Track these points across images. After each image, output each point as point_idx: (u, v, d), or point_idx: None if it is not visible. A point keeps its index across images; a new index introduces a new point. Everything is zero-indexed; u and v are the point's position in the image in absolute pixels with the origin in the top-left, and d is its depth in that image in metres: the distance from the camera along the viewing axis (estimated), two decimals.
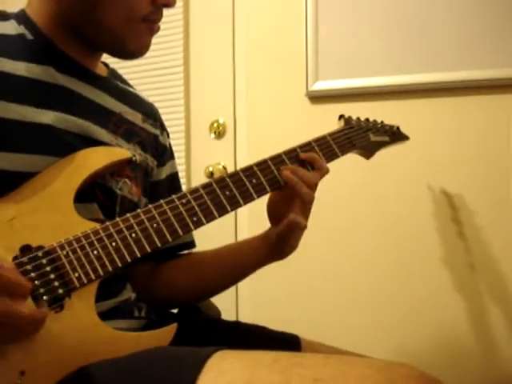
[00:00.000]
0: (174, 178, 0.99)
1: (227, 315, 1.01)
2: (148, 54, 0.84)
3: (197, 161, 1.78)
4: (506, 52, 1.40)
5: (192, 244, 0.98)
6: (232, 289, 1.69)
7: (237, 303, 1.68)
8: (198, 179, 1.76)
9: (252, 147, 1.68)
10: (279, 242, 0.85)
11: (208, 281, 0.92)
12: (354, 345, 0.90)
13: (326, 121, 1.59)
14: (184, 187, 1.74)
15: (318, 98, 1.60)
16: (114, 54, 0.83)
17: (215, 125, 1.75)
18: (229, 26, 1.73)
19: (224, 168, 1.73)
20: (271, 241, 0.86)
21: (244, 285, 1.61)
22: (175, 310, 0.96)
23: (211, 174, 1.72)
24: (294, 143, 1.73)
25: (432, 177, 1.48)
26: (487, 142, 1.44)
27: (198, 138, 1.79)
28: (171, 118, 0.98)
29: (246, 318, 1.62)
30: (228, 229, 1.64)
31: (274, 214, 0.86)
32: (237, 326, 0.91)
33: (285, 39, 1.64)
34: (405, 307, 1.50)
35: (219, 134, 1.75)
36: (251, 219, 1.53)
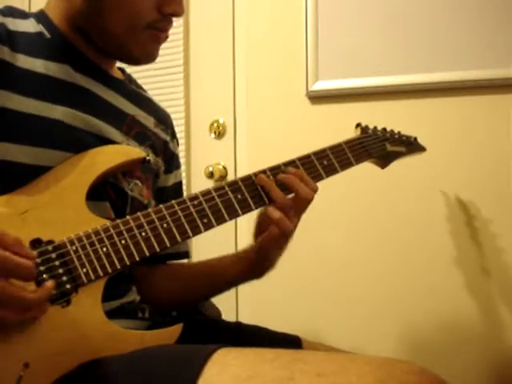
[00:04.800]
0: (178, 187, 0.99)
1: (227, 315, 1.01)
2: None
3: (197, 161, 1.78)
4: (506, 52, 1.40)
5: (187, 254, 0.97)
6: (232, 289, 1.68)
7: (237, 303, 1.68)
8: (198, 179, 1.76)
9: (252, 147, 1.68)
10: (256, 259, 0.84)
11: (183, 289, 0.92)
12: (355, 345, 0.90)
13: (326, 121, 1.61)
14: (184, 187, 1.75)
15: (318, 97, 1.60)
16: (120, 59, 0.84)
17: (215, 125, 1.75)
18: (229, 26, 1.73)
19: (224, 168, 1.73)
20: (249, 256, 0.85)
21: (244, 285, 1.61)
22: (174, 312, 0.96)
23: (211, 174, 1.72)
24: (294, 143, 1.74)
25: (431, 177, 1.48)
26: (487, 142, 1.44)
27: (198, 138, 1.79)
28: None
29: (245, 318, 1.62)
30: (228, 235, 1.64)
31: (259, 226, 0.84)
32: (238, 326, 0.92)
33: (285, 39, 1.64)
34: (414, 310, 1.49)
35: (219, 134, 1.75)
36: (251, 226, 1.52)
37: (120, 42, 0.78)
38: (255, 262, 0.84)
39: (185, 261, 0.99)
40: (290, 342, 0.87)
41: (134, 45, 0.79)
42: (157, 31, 0.79)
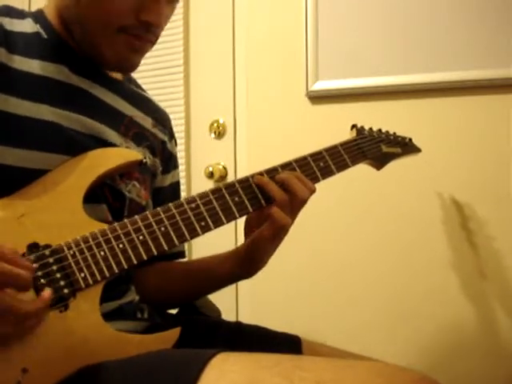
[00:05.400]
0: (176, 187, 0.99)
1: (227, 315, 1.01)
2: (148, 53, 0.82)
3: (197, 161, 1.78)
4: (506, 52, 1.40)
5: (183, 254, 0.97)
6: (232, 289, 1.69)
7: (237, 303, 1.68)
8: (198, 179, 1.76)
9: (252, 147, 1.68)
10: (246, 257, 0.84)
11: (173, 286, 0.91)
12: (355, 345, 0.90)
13: (326, 121, 1.61)
14: (184, 187, 1.75)
15: (318, 97, 1.60)
16: (97, 62, 0.80)
17: (215, 125, 1.75)
18: (229, 26, 1.73)
19: (224, 168, 1.73)
20: (240, 255, 0.85)
21: (244, 285, 1.61)
22: (174, 311, 0.96)
23: (211, 174, 1.72)
24: (294, 143, 1.73)
25: (431, 177, 1.47)
26: (487, 142, 1.44)
27: (198, 138, 1.79)
28: (171, 118, 1.00)
29: (245, 318, 1.62)
30: (228, 236, 1.64)
31: (249, 225, 0.84)
32: (238, 326, 0.91)
33: (285, 39, 1.64)
34: (408, 310, 1.49)
35: (219, 134, 1.75)
36: None
37: (93, 42, 0.76)
38: (246, 261, 0.84)
39: None
40: (290, 341, 0.86)
41: (106, 47, 0.76)
42: (131, 37, 0.76)
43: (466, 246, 1.45)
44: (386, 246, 1.52)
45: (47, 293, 0.60)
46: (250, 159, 1.67)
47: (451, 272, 1.46)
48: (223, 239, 1.56)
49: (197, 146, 1.79)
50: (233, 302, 1.68)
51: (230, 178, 1.73)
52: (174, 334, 0.69)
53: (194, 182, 1.78)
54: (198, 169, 1.77)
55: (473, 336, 1.43)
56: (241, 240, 0.86)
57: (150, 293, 0.89)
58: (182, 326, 0.70)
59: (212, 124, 1.76)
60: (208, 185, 1.73)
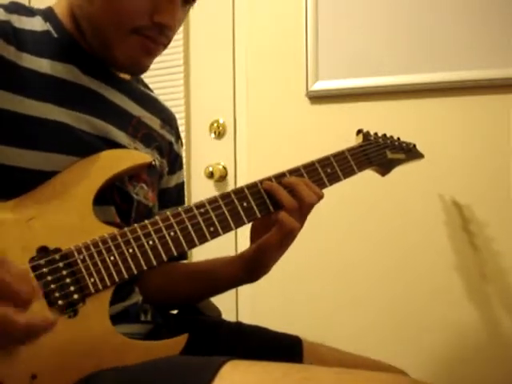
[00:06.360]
0: (181, 188, 0.99)
1: (227, 315, 1.01)
2: None
3: (197, 161, 1.78)
4: (507, 52, 1.40)
5: (185, 255, 0.97)
6: (231, 290, 1.68)
7: (237, 303, 1.68)
8: (198, 179, 1.76)
9: (252, 147, 1.68)
10: (251, 262, 0.83)
11: (176, 287, 0.91)
12: (355, 346, 0.90)
13: (325, 121, 1.61)
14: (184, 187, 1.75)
15: (318, 97, 1.59)
16: (107, 63, 0.79)
17: (215, 125, 1.75)
18: (229, 26, 1.73)
19: (224, 168, 1.73)
20: (245, 259, 0.85)
21: (244, 285, 1.61)
22: (175, 312, 0.96)
23: (211, 174, 1.72)
24: (294, 143, 1.73)
25: (432, 176, 1.47)
26: (487, 142, 1.44)
27: (198, 138, 1.79)
28: None
29: (246, 318, 1.62)
30: (228, 236, 1.64)
31: (256, 230, 0.84)
32: (239, 327, 0.91)
33: (285, 39, 1.64)
34: (410, 311, 1.49)
35: (219, 134, 1.75)
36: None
37: (105, 43, 0.74)
38: (251, 265, 0.84)
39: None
40: (291, 342, 0.86)
41: (119, 49, 0.74)
42: (145, 39, 0.74)
43: (469, 248, 1.45)
44: (387, 247, 1.52)
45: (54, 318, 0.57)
46: (250, 159, 1.67)
47: (454, 273, 1.45)
48: (223, 243, 1.56)
49: (197, 146, 1.79)
50: (233, 303, 1.68)
51: (230, 178, 1.73)
52: (181, 340, 0.69)
53: (193, 181, 1.78)
54: (198, 169, 1.77)
55: (475, 337, 1.43)
56: (241, 244, 0.86)
57: (153, 293, 0.88)
58: (182, 326, 0.70)
59: (212, 124, 1.76)
60: (208, 185, 1.73)
